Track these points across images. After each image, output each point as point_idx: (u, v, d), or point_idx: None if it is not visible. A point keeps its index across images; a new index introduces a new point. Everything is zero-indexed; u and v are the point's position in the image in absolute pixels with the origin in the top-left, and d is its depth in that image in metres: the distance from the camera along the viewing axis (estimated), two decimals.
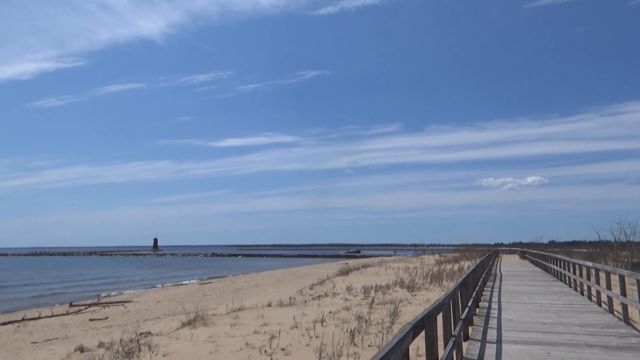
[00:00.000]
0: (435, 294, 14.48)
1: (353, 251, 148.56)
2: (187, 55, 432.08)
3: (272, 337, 9.65)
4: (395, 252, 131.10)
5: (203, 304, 28.67)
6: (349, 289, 20.88)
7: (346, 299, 16.68)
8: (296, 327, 10.80)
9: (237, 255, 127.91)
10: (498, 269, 26.59)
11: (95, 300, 29.48)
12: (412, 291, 16.21)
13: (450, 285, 17.45)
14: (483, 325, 8.83)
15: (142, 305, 29.48)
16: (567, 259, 16.08)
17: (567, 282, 16.56)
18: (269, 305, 15.83)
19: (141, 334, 12.80)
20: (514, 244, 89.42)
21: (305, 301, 17.99)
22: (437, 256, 47.17)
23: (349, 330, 8.80)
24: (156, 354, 9.38)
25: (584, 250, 44.94)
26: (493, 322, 9.18)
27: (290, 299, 21.21)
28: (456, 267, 27.28)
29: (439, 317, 5.46)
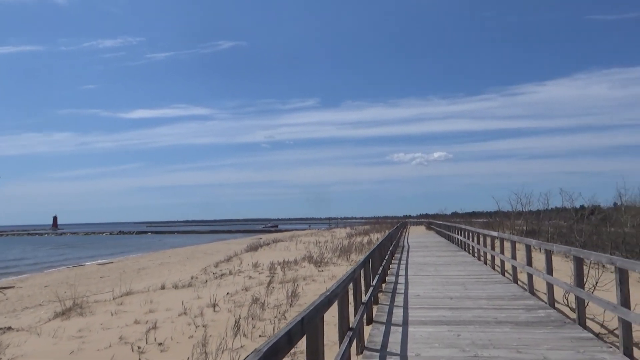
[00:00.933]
0: (342, 269, 13.70)
1: (270, 226, 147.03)
2: (92, 17, 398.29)
3: (151, 329, 8.17)
4: (309, 225, 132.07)
5: (95, 288, 26.15)
6: (255, 265, 19.70)
7: (250, 277, 15.47)
8: (185, 313, 9.38)
9: (146, 232, 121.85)
10: (406, 240, 26.76)
11: None
12: (319, 266, 15.37)
13: (358, 259, 16.87)
14: (389, 304, 8.02)
15: (26, 292, 26.31)
16: (472, 229, 16.07)
17: (471, 252, 16.62)
18: (162, 287, 14.19)
19: (0, 328, 10.69)
20: (421, 216, 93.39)
21: (206, 281, 16.52)
22: (348, 229, 47.36)
23: (239, 317, 7.57)
24: (1, 358, 7.55)
25: (483, 220, 47.57)
26: (400, 299, 8.42)
27: (192, 278, 19.62)
28: (366, 239, 27.08)
29: (335, 305, 4.38)
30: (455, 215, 72.35)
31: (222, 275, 17.72)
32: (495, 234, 11.86)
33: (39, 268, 42.87)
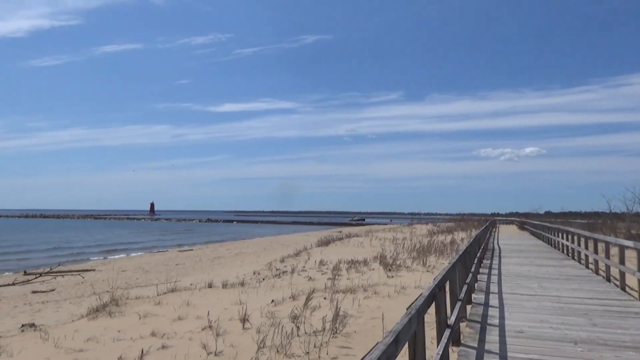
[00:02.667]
0: (415, 277, 11.14)
1: (357, 219, 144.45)
2: (186, 16, 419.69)
3: (159, 349, 6.27)
4: (391, 220, 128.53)
5: (167, 275, 25.54)
6: (321, 263, 17.63)
7: (310, 278, 13.37)
8: (210, 326, 7.42)
9: (232, 221, 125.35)
10: (496, 241, 23.28)
11: (48, 269, 26.27)
12: (390, 270, 12.89)
13: (437, 263, 14.10)
14: (476, 346, 5.35)
15: (103, 275, 26.35)
16: (586, 233, 12.63)
17: (584, 261, 13.21)
18: (210, 286, 12.49)
19: (24, 325, 9.50)
20: (511, 214, 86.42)
21: (263, 279, 14.68)
22: (430, 226, 43.91)
23: (262, 344, 5.42)
24: None
25: (581, 221, 41.83)
26: (493, 338, 5.69)
27: (253, 273, 17.99)
28: (449, 238, 24.00)
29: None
30: (549, 214, 65.73)
31: (282, 273, 15.82)
32: (628, 243, 8.61)
33: (128, 250, 44.40)
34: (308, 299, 7.03)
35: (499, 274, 11.27)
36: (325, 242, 26.29)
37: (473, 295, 8.15)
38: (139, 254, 41.26)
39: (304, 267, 17.18)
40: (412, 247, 19.43)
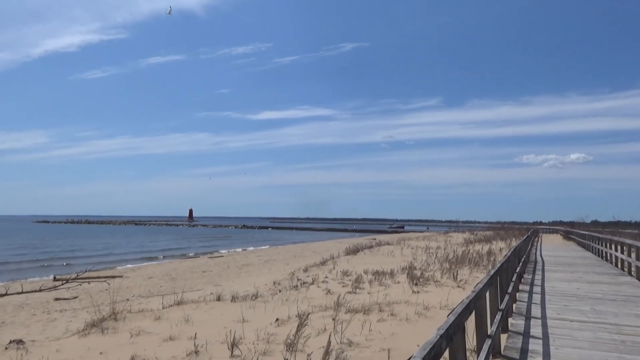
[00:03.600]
0: (442, 293, 9.71)
1: (396, 226, 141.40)
2: (227, 27, 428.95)
3: None
4: (427, 228, 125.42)
5: (191, 283, 24.86)
6: (345, 273, 16.37)
7: (328, 292, 12.14)
8: (196, 352, 6.33)
9: (267, 227, 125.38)
10: (539, 252, 21.33)
11: (75, 275, 26.05)
12: (416, 284, 11.50)
13: (470, 277, 12.58)
14: None
15: (129, 282, 25.93)
16: None
17: None
18: (218, 299, 11.44)
19: (11, 341, 8.69)
20: (554, 223, 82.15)
21: (279, 291, 13.56)
22: (467, 234, 41.76)
23: None
24: None
25: (631, 230, 38.69)
26: None
27: (273, 284, 16.90)
28: (486, 248, 22.21)
29: None
30: (596, 223, 61.97)
31: (302, 284, 14.64)
32: None
33: (159, 257, 44.35)
34: (301, 324, 5.80)
35: (542, 293, 9.67)
36: (353, 251, 24.96)
37: (510, 321, 6.72)
38: (170, 260, 41.09)
39: (326, 277, 15.98)
40: (445, 258, 17.86)
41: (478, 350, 4.04)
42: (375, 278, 14.11)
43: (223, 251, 51.90)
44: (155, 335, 8.05)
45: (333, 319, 7.18)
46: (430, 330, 5.47)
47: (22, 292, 22.00)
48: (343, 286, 13.06)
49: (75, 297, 21.04)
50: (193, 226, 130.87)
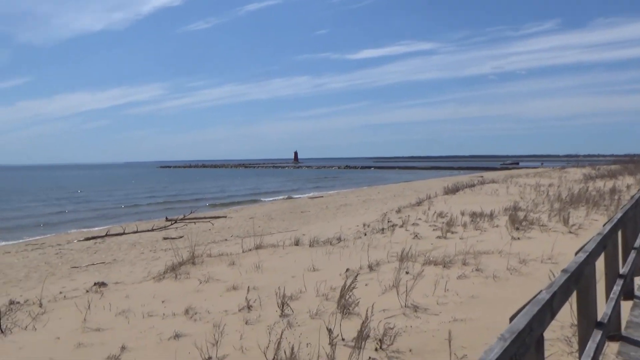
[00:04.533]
0: (547, 243, 7.97)
1: (510, 163, 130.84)
2: None
3: (173, 337, 4.74)
4: (542, 163, 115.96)
5: (287, 224, 25.18)
6: (440, 215, 15.04)
7: (415, 235, 11.04)
8: (247, 308, 5.74)
9: (369, 167, 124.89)
10: None
11: (182, 217, 27.66)
12: (517, 229, 9.88)
13: (585, 221, 10.57)
14: None
15: (232, 222, 27.03)
16: None
17: None
18: (297, 243, 10.92)
19: (95, 284, 8.95)
20: None
21: (365, 234, 12.74)
22: (588, 169, 37.14)
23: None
24: None
25: None
26: None
27: (363, 226, 16.13)
28: (609, 185, 19.17)
29: None
30: None
31: (390, 227, 13.65)
32: None
33: (263, 198, 46.06)
34: (346, 288, 4.79)
35: None
36: (453, 190, 23.20)
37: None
38: (273, 200, 42.38)
39: (418, 219, 14.81)
40: (557, 196, 15.60)
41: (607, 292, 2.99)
42: (472, 220, 12.65)
43: (324, 191, 52.49)
44: (222, 283, 7.68)
45: (407, 272, 6.12)
46: (522, 294, 4.22)
47: (137, 232, 23.83)
48: (434, 229, 11.84)
49: (181, 237, 22.24)
50: (298, 168, 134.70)
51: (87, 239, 22.80)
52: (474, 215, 13.63)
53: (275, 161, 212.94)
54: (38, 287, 12.82)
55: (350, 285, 4.71)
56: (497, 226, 10.93)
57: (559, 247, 7.08)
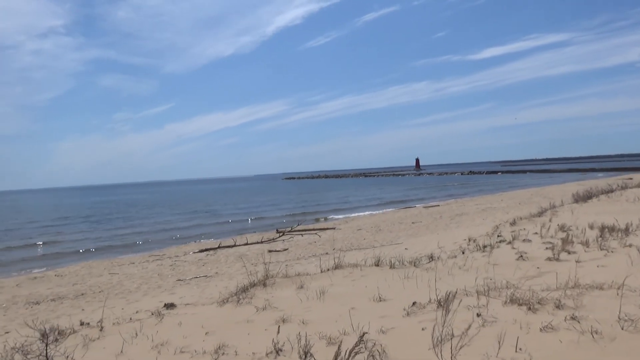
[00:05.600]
0: None
1: None
2: None
3: None
4: None
5: (393, 236, 23.96)
6: (562, 228, 12.72)
7: (520, 256, 9.17)
8: (277, 352, 4.83)
9: (496, 172, 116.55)
10: None
11: (290, 229, 27.80)
12: None
13: None
14: None
15: (337, 234, 26.56)
16: None
17: None
18: (377, 264, 9.74)
19: (165, 305, 8.75)
20: None
21: (464, 252, 11.07)
22: None
23: None
24: None
25: None
26: None
27: (469, 240, 14.35)
28: None
29: None
30: None
31: (497, 242, 11.78)
32: None
33: (378, 206, 45.05)
34: (355, 347, 3.54)
35: None
36: (585, 197, 19.85)
37: None
38: (387, 210, 41.12)
39: (535, 233, 12.64)
40: None
41: None
42: (600, 236, 10.30)
43: (444, 199, 49.74)
44: (277, 312, 6.87)
45: (478, 314, 4.67)
46: None
47: (247, 244, 24.41)
48: (546, 248, 9.81)
49: (286, 249, 22.20)
50: (419, 175, 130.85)
51: (201, 250, 23.86)
52: (603, 229, 11.17)
53: (396, 169, 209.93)
54: (142, 300, 13.39)
55: (355, 346, 3.51)
56: (629, 245, 8.59)
57: None
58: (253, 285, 9.18)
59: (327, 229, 29.31)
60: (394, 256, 10.46)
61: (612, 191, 20.39)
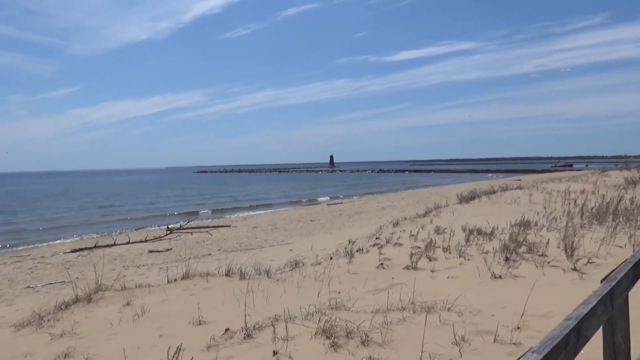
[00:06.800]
0: (537, 287, 5.34)
1: (561, 165, 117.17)
2: None
3: None
4: (586, 165, 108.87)
5: (286, 234, 23.11)
6: (437, 230, 12.51)
7: (381, 263, 8.57)
8: None
9: (404, 171, 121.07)
10: None
11: (178, 226, 25.98)
12: (507, 259, 7.17)
13: (600, 251, 7.65)
14: None
15: (232, 232, 25.21)
16: None
17: None
18: (227, 274, 8.66)
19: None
20: None
21: (331, 257, 10.35)
22: (633, 172, 32.95)
23: None
24: None
25: None
26: None
27: (349, 242, 13.79)
28: None
29: None
30: None
31: (373, 245, 11.23)
32: None
33: (282, 203, 44.11)
34: None
35: None
36: (468, 198, 20.32)
37: None
38: (289, 207, 40.37)
39: (412, 235, 12.29)
40: (581, 208, 12.60)
41: None
42: (468, 240, 10.07)
43: (348, 196, 50.09)
44: (73, 340, 5.54)
45: (274, 353, 3.75)
46: None
47: (128, 243, 22.25)
48: (411, 254, 9.32)
49: (169, 250, 20.48)
50: (332, 172, 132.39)
51: (74, 250, 21.40)
52: (471, 233, 11.02)
53: (311, 165, 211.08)
54: None
55: None
56: (486, 252, 8.27)
57: (547, 299, 4.51)
58: (76, 300, 7.72)
59: (222, 226, 27.86)
60: (254, 263, 9.47)
61: (494, 192, 21.10)
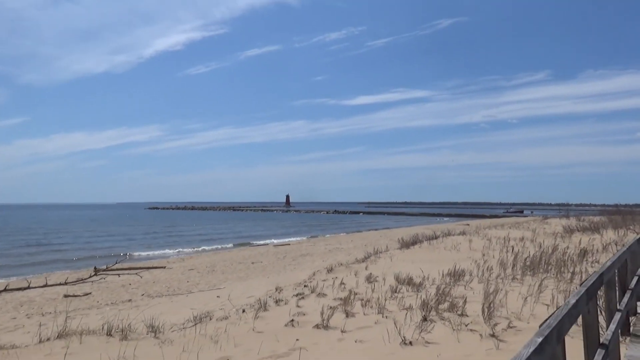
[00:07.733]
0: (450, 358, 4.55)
1: (514, 210, 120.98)
2: (320, 14, 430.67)
3: None
4: (532, 212, 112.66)
5: (223, 277, 21.71)
6: (369, 279, 11.64)
7: (292, 320, 7.52)
8: None
9: (358, 212, 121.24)
10: None
11: (105, 267, 23.94)
12: (425, 319, 6.34)
13: (522, 311, 6.90)
14: None
15: (165, 275, 23.45)
16: None
17: None
18: (108, 333, 7.37)
19: None
20: None
21: (244, 310, 9.21)
22: (573, 220, 33.73)
23: None
24: None
25: None
26: None
27: (276, 290, 12.70)
28: (585, 242, 15.73)
29: None
30: None
31: (297, 295, 10.17)
32: None
33: (224, 243, 42.21)
34: None
35: None
36: (408, 243, 19.72)
37: None
38: (233, 248, 38.66)
39: (341, 284, 11.34)
40: (515, 258, 12.10)
41: None
42: (395, 291, 9.23)
43: (297, 237, 48.85)
44: None
45: None
46: None
47: (46, 286, 20.08)
48: (330, 307, 8.34)
49: (88, 294, 18.58)
50: (287, 211, 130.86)
51: None
52: (404, 283, 10.22)
53: (267, 204, 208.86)
54: None
55: None
56: (407, 308, 7.42)
57: None
58: None
59: (157, 267, 25.98)
60: (150, 318, 8.20)
61: (436, 238, 20.62)
